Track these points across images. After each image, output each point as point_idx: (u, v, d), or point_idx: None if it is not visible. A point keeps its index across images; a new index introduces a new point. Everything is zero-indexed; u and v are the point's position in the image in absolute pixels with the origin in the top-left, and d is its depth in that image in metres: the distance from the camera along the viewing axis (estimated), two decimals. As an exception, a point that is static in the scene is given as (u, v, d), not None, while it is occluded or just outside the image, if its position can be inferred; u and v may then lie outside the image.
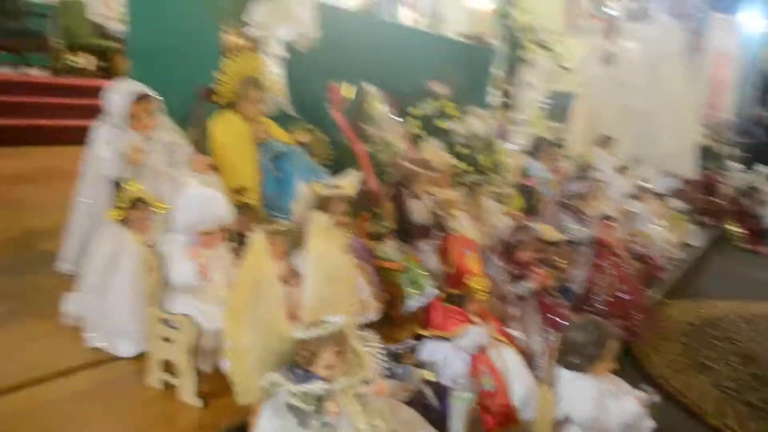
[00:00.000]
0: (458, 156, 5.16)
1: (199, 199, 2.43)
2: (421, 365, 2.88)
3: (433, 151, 4.23)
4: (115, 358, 2.60)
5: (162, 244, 2.46)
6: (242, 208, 2.96)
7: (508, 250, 3.54)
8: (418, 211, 3.59)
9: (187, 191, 2.47)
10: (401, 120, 4.91)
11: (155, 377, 2.43)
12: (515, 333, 3.21)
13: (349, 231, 3.00)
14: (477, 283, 3.01)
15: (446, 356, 2.97)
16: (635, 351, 4.03)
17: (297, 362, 2.10)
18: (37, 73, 8.26)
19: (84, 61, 8.53)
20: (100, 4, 8.92)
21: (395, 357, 2.81)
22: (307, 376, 2.07)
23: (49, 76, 7.87)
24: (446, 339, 2.99)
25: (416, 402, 2.71)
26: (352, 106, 4.62)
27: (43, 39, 8.19)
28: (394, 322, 3.27)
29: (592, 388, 2.58)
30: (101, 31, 8.91)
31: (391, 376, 2.73)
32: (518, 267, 3.49)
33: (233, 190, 2.99)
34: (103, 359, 2.59)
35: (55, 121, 6.36)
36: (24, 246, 3.69)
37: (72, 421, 2.21)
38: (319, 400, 2.04)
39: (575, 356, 2.64)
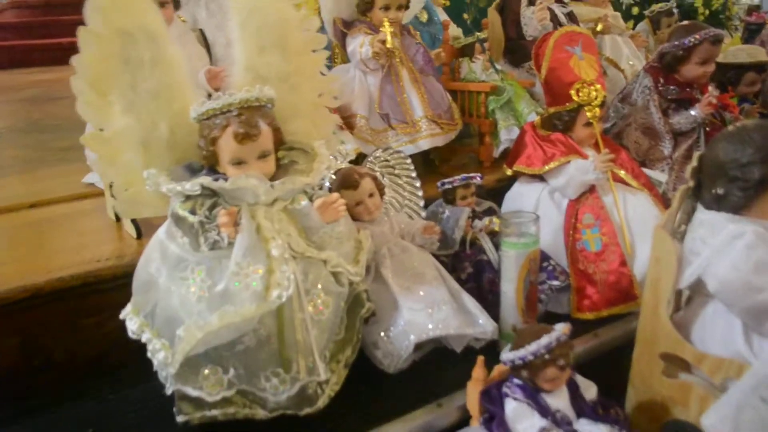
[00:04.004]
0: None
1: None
2: (492, 214, 1.99)
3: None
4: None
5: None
6: None
7: (669, 63, 2.35)
8: (534, 22, 2.57)
9: None
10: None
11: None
12: (656, 175, 2.11)
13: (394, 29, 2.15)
14: (586, 94, 1.98)
15: (536, 201, 2.02)
16: None
17: (203, 161, 1.41)
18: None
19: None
20: None
21: (445, 195, 1.96)
22: (211, 177, 1.37)
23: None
24: (539, 178, 2.04)
25: (467, 258, 1.86)
26: None
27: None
28: (483, 165, 2.38)
29: (749, 239, 1.47)
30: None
31: (430, 219, 1.90)
32: (682, 88, 2.31)
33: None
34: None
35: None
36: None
37: None
38: (213, 208, 1.33)
39: (725, 186, 1.53)
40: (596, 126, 2.00)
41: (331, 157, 1.64)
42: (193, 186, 1.30)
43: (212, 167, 1.39)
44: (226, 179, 1.34)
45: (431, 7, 2.77)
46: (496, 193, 2.16)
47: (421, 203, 1.90)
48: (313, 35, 1.53)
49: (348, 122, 2.12)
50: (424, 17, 2.68)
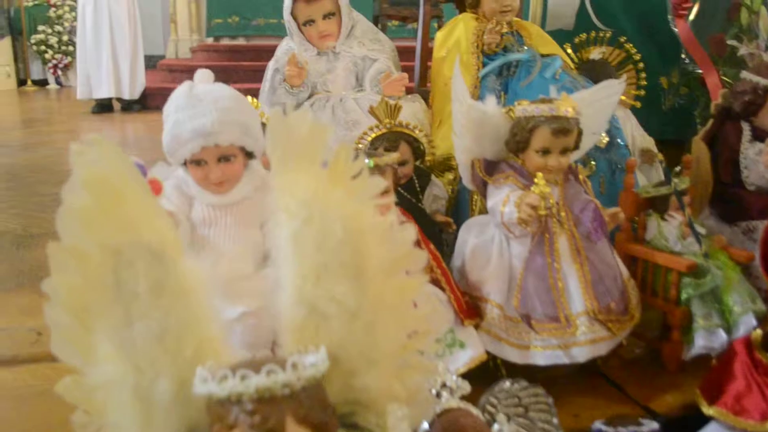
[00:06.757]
0: None
1: (177, 102, 1.38)
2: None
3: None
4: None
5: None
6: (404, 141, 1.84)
7: None
8: (760, 167, 1.83)
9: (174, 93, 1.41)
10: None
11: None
12: None
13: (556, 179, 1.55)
14: None
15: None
16: None
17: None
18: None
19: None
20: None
21: (603, 449, 1.33)
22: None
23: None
24: (750, 434, 1.34)
25: None
26: (713, 12, 2.98)
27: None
28: (667, 368, 1.68)
29: None
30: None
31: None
32: None
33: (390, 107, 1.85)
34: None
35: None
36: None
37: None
38: None
39: None
40: None
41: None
42: None
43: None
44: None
45: (614, 125, 2.13)
46: (681, 425, 1.49)
47: (563, 465, 1.28)
48: (407, 251, 1.00)
49: (475, 306, 1.56)
50: (603, 141, 2.05)
